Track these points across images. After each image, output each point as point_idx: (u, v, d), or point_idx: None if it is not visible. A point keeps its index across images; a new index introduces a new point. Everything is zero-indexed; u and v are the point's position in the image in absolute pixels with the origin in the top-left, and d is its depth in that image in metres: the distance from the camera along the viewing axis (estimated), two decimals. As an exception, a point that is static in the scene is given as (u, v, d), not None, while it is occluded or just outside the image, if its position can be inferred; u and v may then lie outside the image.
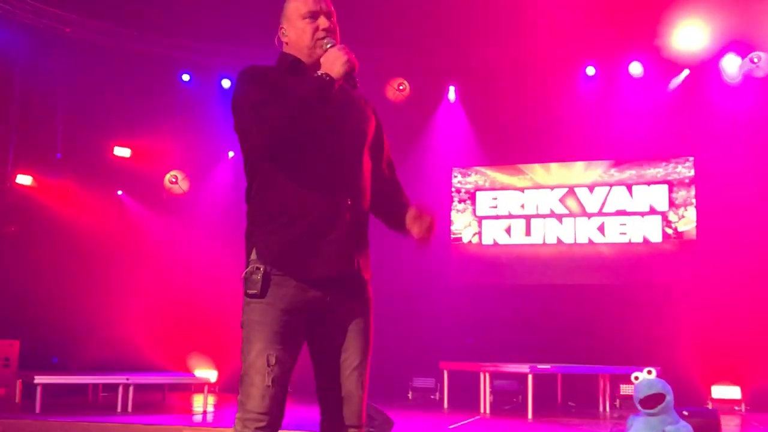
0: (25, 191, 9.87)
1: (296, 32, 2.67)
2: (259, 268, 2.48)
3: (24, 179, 9.82)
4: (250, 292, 2.48)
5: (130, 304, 10.10)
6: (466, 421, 7.72)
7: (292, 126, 2.43)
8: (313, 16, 2.64)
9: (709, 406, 8.40)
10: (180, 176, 10.97)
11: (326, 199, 2.52)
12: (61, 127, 10.30)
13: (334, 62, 2.49)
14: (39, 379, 7.50)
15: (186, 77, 11.26)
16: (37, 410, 7.32)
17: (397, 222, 2.75)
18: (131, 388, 7.78)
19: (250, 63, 2.75)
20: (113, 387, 8.01)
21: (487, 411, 8.55)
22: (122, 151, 10.83)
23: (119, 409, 7.65)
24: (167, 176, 10.95)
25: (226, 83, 11.19)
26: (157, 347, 10.14)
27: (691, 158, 10.38)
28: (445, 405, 9.18)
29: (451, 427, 7.34)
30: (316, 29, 2.63)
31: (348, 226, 2.55)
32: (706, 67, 10.01)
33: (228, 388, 10.18)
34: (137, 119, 10.60)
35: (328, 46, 2.59)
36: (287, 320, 2.47)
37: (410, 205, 2.73)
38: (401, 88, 10.91)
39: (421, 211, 2.66)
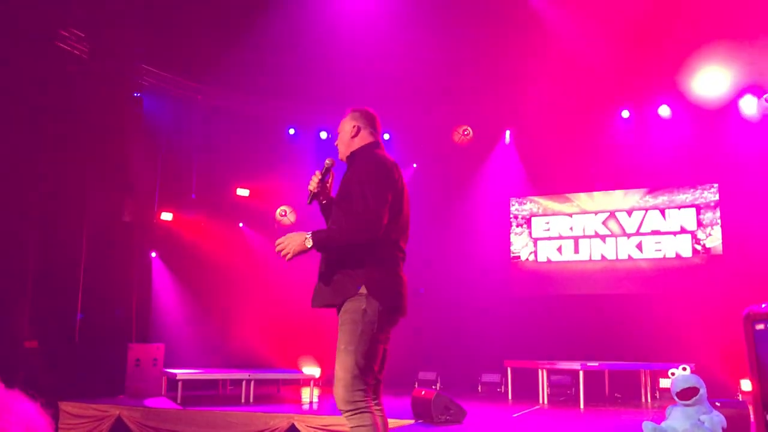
0: (167, 225, 10.18)
1: None
2: None
3: (166, 215, 10.13)
4: None
5: (249, 314, 10.26)
6: (527, 410, 7.58)
7: None
8: None
9: (740, 398, 8.01)
10: (288, 210, 11.16)
11: None
12: (195, 173, 10.61)
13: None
14: (180, 375, 7.68)
15: (291, 131, 11.52)
16: (179, 400, 7.50)
17: None
18: (252, 383, 7.91)
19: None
20: (238, 382, 8.14)
21: (545, 402, 8.36)
22: (243, 191, 11.00)
23: (243, 400, 7.78)
24: (278, 210, 11.14)
25: (323, 135, 11.40)
26: (272, 349, 10.27)
27: (716, 185, 10.02)
28: (509, 397, 9.02)
29: (514, 415, 7.21)
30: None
31: (320, 270, 3.22)
32: (727, 107, 9.70)
33: (329, 383, 10.19)
34: (254, 166, 10.84)
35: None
36: None
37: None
38: (466, 133, 10.89)
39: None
